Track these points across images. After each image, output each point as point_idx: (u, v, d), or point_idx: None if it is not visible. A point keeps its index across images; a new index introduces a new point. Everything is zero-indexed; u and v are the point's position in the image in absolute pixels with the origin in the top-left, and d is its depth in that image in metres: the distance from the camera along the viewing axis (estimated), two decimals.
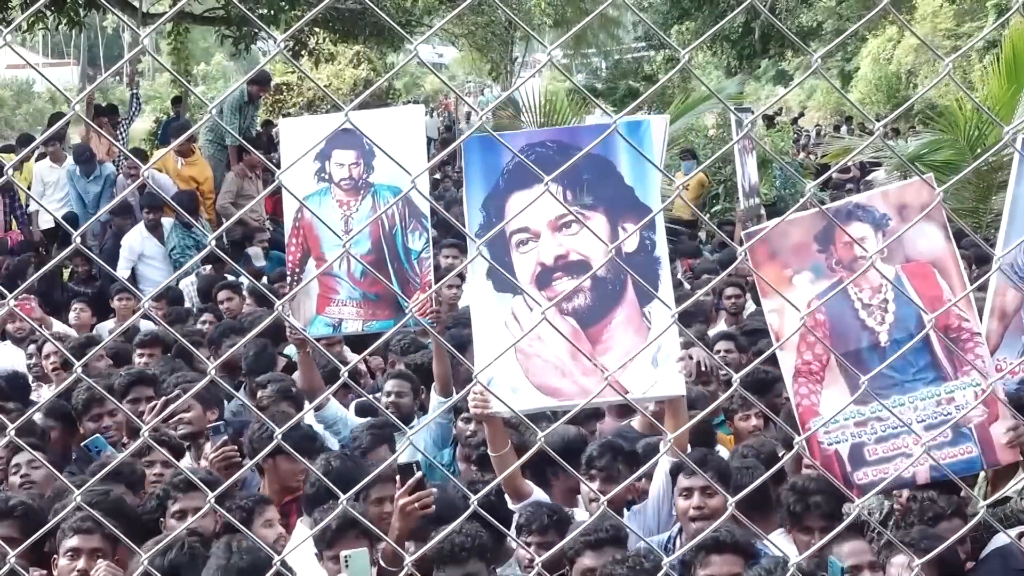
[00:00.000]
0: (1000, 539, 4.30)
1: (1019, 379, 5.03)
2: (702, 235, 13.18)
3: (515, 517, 4.40)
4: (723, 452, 5.51)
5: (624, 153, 4.49)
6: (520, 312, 4.43)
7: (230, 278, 8.95)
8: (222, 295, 8.46)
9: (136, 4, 16.64)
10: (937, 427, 4.32)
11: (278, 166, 6.88)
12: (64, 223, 8.66)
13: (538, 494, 4.60)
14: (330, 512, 3.94)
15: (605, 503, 3.59)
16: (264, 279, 9.40)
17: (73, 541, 3.93)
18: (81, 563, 3.89)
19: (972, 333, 4.44)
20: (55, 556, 3.99)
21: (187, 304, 8.91)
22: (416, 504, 4.07)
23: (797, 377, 4.42)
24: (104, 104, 15.63)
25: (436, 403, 5.72)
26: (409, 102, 36.81)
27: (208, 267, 9.27)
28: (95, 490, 4.15)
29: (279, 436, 2.16)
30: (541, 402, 4.42)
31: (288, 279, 6.17)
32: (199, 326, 7.79)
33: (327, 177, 5.85)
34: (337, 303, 5.85)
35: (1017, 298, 4.94)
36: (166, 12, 17.98)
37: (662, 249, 4.52)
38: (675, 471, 4.40)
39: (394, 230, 5.73)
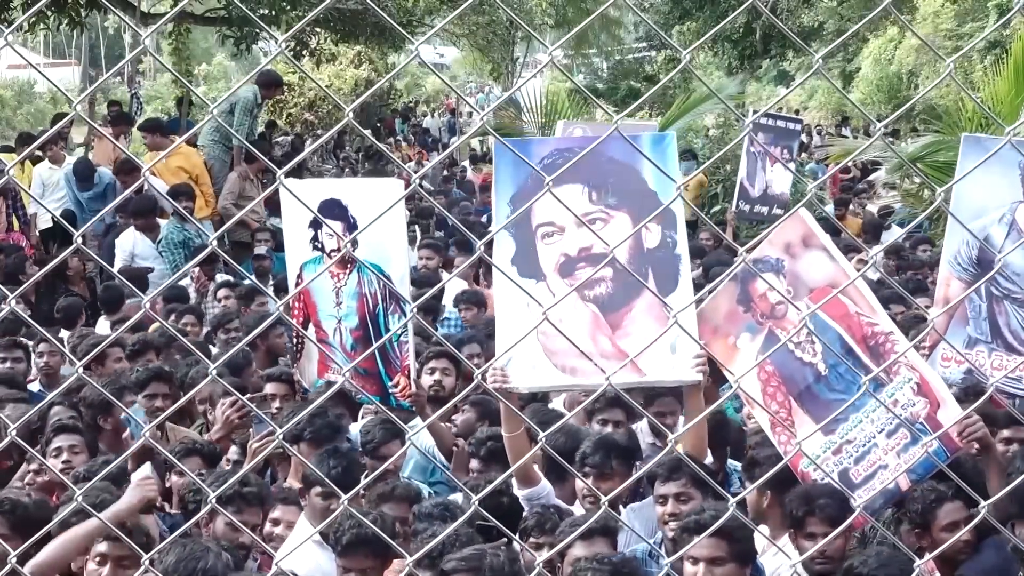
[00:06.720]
0: None
1: (965, 368, 5.24)
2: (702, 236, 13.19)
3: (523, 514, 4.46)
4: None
5: (648, 160, 4.67)
6: (542, 296, 4.58)
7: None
8: (221, 293, 8.49)
9: (135, 4, 16.62)
10: (895, 432, 4.46)
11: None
12: (65, 223, 8.66)
13: (544, 484, 4.64)
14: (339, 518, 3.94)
15: (605, 503, 3.59)
16: (270, 281, 9.36)
17: (102, 547, 3.79)
18: (106, 571, 3.78)
19: (885, 335, 4.55)
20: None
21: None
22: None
23: (774, 428, 4.62)
24: (115, 109, 15.65)
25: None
26: (410, 102, 36.90)
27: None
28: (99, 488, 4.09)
29: (279, 436, 2.18)
30: (559, 380, 4.62)
31: (292, 340, 6.25)
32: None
33: (320, 246, 5.87)
34: (333, 371, 5.96)
35: (961, 289, 5.19)
36: (167, 12, 17.99)
37: (682, 248, 4.69)
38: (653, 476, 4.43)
39: (377, 309, 5.73)
